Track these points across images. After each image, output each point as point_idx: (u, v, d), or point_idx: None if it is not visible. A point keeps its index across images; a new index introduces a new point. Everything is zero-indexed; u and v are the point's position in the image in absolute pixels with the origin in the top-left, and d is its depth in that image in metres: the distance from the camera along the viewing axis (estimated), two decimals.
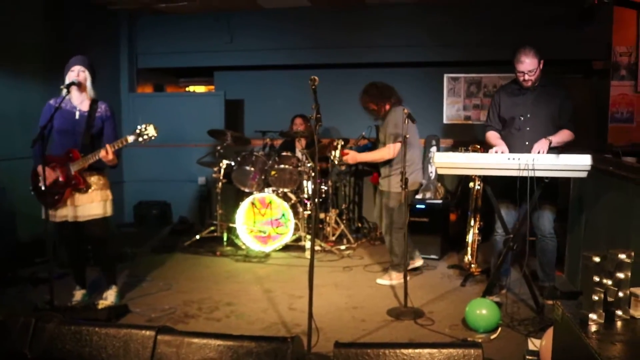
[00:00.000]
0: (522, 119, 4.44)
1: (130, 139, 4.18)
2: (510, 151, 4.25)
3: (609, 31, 6.45)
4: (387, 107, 5.16)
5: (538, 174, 3.94)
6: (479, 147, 5.34)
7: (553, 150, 4.14)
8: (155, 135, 4.20)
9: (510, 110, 4.51)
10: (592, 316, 2.21)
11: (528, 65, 4.29)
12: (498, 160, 4.07)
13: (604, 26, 6.50)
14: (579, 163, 3.90)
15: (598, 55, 6.77)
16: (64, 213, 4.31)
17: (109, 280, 4.65)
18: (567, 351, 2.37)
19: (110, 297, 4.55)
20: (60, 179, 4.25)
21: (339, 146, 5.43)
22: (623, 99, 6.40)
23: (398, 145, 5.00)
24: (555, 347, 2.58)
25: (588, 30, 6.65)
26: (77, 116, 4.32)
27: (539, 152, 4.06)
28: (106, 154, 4.15)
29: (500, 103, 4.58)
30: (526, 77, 4.33)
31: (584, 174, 3.96)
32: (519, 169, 3.96)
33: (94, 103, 4.37)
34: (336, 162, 5.45)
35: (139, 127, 4.20)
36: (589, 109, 6.95)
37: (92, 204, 4.34)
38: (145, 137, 4.19)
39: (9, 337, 3.03)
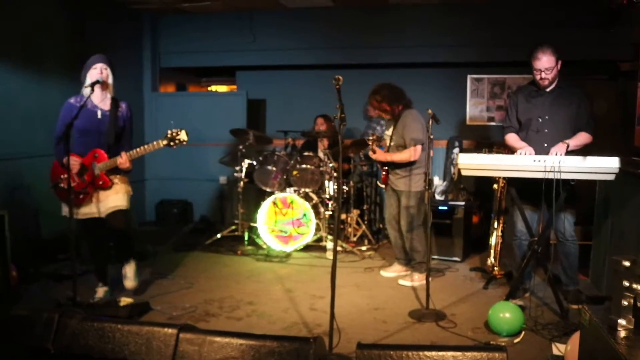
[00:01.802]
0: (540, 120, 4.38)
1: (163, 143, 4.21)
2: None
3: (636, 32, 6.34)
4: (400, 108, 5.15)
5: (564, 176, 3.89)
6: (503, 148, 5.29)
7: (570, 153, 4.08)
8: (187, 140, 4.25)
9: (528, 112, 4.45)
10: (621, 322, 2.17)
11: (545, 62, 4.23)
12: (523, 162, 4.02)
13: (632, 27, 6.40)
14: (607, 165, 3.83)
15: (625, 56, 6.65)
16: (89, 210, 4.35)
17: (126, 257, 4.62)
18: (594, 357, 2.33)
19: (129, 272, 4.57)
20: (86, 177, 4.29)
21: (373, 138, 5.38)
22: None
23: (419, 147, 5.01)
24: (581, 353, 2.54)
25: (615, 30, 6.54)
26: (99, 115, 4.35)
27: (556, 155, 4.02)
28: (123, 161, 4.21)
29: (518, 104, 4.53)
30: (543, 75, 4.27)
31: (611, 177, 3.90)
32: (545, 171, 3.90)
33: (114, 102, 4.39)
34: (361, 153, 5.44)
35: (170, 131, 4.23)
36: (615, 111, 6.85)
37: (117, 195, 4.41)
38: (177, 142, 4.23)
39: (32, 332, 3.05)
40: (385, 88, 5.17)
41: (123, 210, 4.44)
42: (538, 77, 4.31)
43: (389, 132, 5.30)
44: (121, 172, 4.44)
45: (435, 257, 5.99)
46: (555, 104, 4.36)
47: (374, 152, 5.28)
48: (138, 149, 4.25)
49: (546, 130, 4.36)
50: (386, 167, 5.32)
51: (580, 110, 4.31)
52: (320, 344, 2.84)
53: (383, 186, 5.45)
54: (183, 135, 4.23)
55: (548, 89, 4.37)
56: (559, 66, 4.29)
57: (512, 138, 4.52)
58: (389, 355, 2.58)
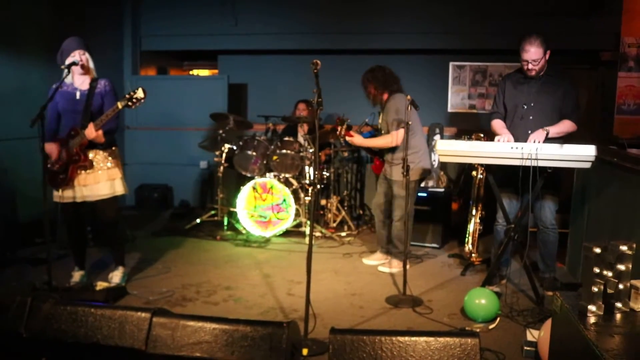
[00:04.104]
0: (525, 107, 4.38)
1: (121, 105, 4.14)
2: (514, 140, 4.21)
3: (617, 22, 6.38)
4: (385, 96, 5.11)
5: (541, 163, 3.90)
6: (482, 135, 5.29)
7: (553, 140, 4.09)
8: (144, 97, 4.15)
9: (514, 99, 4.45)
10: (591, 308, 2.19)
11: (532, 54, 4.22)
12: (500, 149, 4.02)
13: (613, 16, 6.43)
14: (583, 154, 3.84)
15: (606, 46, 6.69)
16: (72, 194, 4.31)
17: (117, 261, 4.69)
18: (565, 343, 2.35)
19: (115, 277, 4.58)
20: (64, 156, 4.26)
21: (345, 123, 5.35)
22: (630, 90, 6.33)
23: (402, 131, 4.96)
24: (553, 338, 2.56)
25: (596, 20, 6.58)
26: (77, 96, 4.32)
27: (534, 142, 4.03)
28: (89, 131, 4.13)
29: (505, 90, 4.53)
30: (529, 66, 4.27)
31: (587, 165, 3.92)
32: (522, 158, 3.92)
33: (93, 81, 4.35)
34: (340, 140, 5.40)
35: (128, 92, 4.17)
36: (596, 100, 6.89)
37: (99, 184, 4.34)
38: (135, 100, 4.14)
39: (5, 316, 3.03)
40: (379, 71, 5.11)
41: (110, 199, 4.41)
42: (525, 67, 4.30)
43: (381, 119, 5.28)
44: (110, 147, 4.42)
45: (414, 243, 6.01)
46: (541, 92, 4.35)
47: (344, 137, 5.24)
48: (102, 117, 4.18)
49: (531, 118, 4.36)
50: (377, 156, 5.29)
51: (567, 98, 4.31)
52: (294, 328, 2.85)
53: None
54: (140, 93, 4.13)
55: (535, 77, 4.37)
56: (547, 56, 4.28)
57: (496, 124, 4.52)
58: (362, 340, 2.58)
